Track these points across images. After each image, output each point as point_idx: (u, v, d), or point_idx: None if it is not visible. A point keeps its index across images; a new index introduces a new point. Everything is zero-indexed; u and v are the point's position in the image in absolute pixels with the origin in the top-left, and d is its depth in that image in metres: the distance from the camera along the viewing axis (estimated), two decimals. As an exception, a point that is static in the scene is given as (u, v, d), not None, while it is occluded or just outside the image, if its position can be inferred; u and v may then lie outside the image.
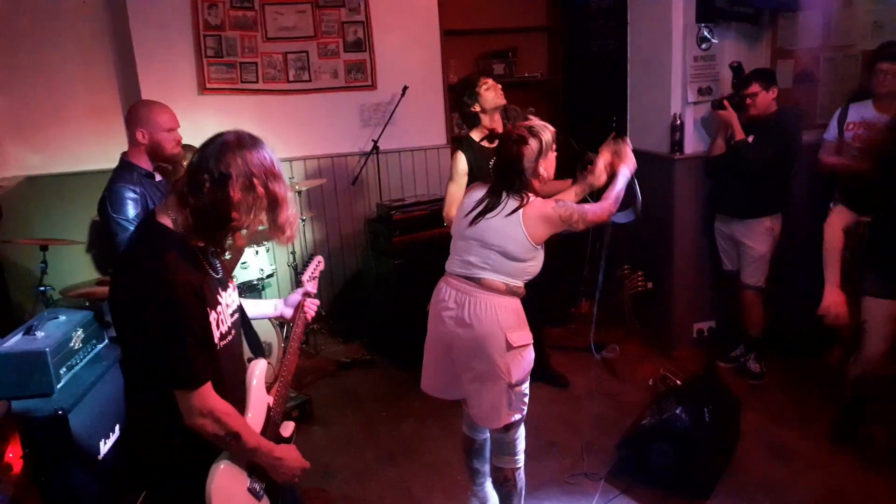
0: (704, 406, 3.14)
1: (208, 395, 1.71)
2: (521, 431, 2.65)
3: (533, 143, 2.51)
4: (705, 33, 4.08)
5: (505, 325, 2.49)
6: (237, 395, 1.89)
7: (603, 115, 5.29)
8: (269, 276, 4.64)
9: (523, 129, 2.54)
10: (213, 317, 1.77)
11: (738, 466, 3.25)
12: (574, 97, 5.96)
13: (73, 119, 4.75)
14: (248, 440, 1.78)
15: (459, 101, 3.72)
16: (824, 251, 3.03)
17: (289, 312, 2.31)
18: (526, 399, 2.60)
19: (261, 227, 2.53)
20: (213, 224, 1.71)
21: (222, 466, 1.79)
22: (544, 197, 2.61)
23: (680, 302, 4.45)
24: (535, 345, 4.11)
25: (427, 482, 3.25)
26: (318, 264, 2.44)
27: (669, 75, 4.16)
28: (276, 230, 1.80)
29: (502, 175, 2.56)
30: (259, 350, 2.08)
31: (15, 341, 2.77)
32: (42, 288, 3.77)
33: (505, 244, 2.49)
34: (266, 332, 4.13)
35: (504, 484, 2.70)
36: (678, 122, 4.18)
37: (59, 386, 2.69)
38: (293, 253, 4.88)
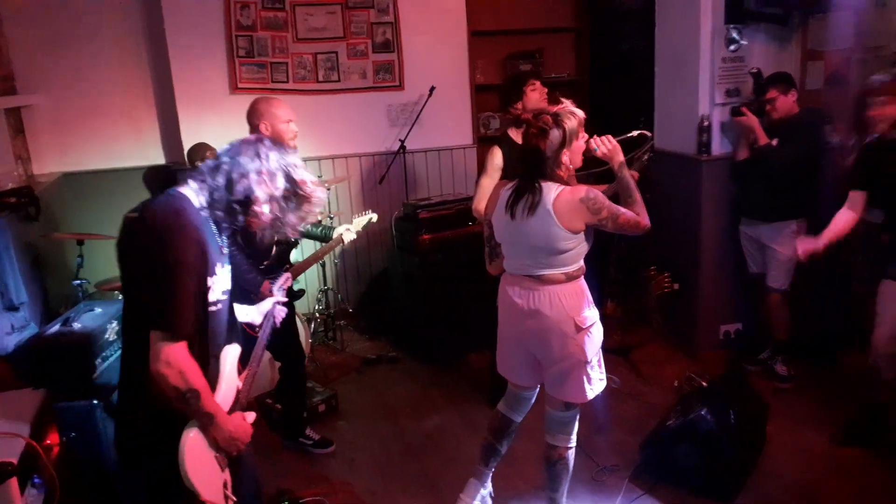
0: (730, 408, 3.12)
1: (180, 350, 1.75)
2: (578, 411, 2.73)
3: (555, 133, 2.48)
4: (734, 35, 4.06)
5: (571, 309, 2.55)
6: (214, 369, 1.97)
7: (630, 116, 5.28)
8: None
9: (548, 117, 2.50)
10: (209, 281, 1.86)
11: (764, 469, 3.23)
12: (601, 98, 5.95)
13: (108, 117, 4.87)
14: (206, 402, 1.82)
15: (505, 95, 3.80)
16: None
17: (258, 319, 2.44)
18: (604, 372, 2.69)
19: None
20: (231, 212, 1.84)
21: (192, 433, 1.84)
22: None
23: (707, 303, 4.43)
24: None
25: (450, 478, 3.27)
26: (286, 280, 2.62)
27: (697, 76, 4.14)
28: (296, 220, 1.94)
29: (527, 164, 2.56)
30: (236, 337, 2.14)
31: (53, 332, 2.86)
32: (78, 281, 3.87)
33: (548, 242, 2.51)
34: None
35: (558, 462, 2.75)
36: (705, 123, 4.16)
37: (94, 376, 2.77)
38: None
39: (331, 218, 4.78)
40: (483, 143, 5.44)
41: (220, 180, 1.83)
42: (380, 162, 5.25)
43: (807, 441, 3.46)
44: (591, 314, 2.61)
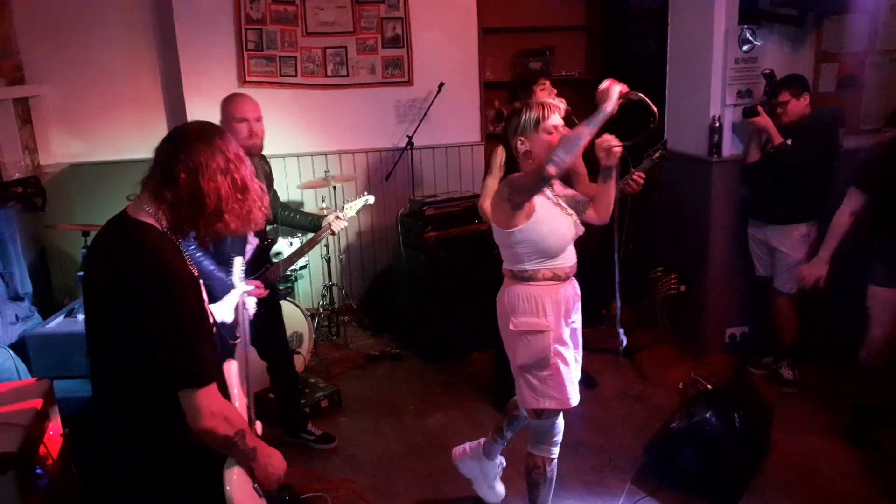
0: (735, 411, 3.10)
1: (216, 394, 1.67)
2: (558, 423, 2.63)
3: (514, 119, 2.50)
4: (748, 35, 4.02)
5: (509, 308, 2.56)
6: (225, 393, 1.87)
7: (640, 116, 5.24)
8: (303, 267, 4.71)
9: (518, 104, 2.56)
10: (207, 307, 1.78)
11: (767, 474, 3.21)
12: (611, 97, 5.91)
13: (115, 108, 4.87)
14: (249, 437, 1.75)
15: (513, 94, 3.80)
16: (830, 228, 3.43)
17: (230, 317, 2.22)
18: (551, 389, 2.52)
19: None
20: (193, 215, 1.68)
21: (235, 473, 1.78)
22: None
23: (713, 306, 4.40)
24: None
25: (452, 477, 3.25)
26: (240, 265, 2.31)
27: (709, 77, 4.11)
28: (246, 214, 1.76)
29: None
30: (228, 351, 2.05)
31: (57, 323, 2.86)
32: (83, 272, 3.86)
33: (496, 237, 2.59)
34: (297, 322, 4.19)
35: (533, 470, 2.67)
36: (717, 124, 4.12)
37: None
38: (326, 245, 4.93)
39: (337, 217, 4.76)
40: (491, 140, 5.41)
41: (179, 193, 1.64)
42: (387, 158, 5.24)
43: (811, 446, 3.44)
44: (528, 321, 2.50)
